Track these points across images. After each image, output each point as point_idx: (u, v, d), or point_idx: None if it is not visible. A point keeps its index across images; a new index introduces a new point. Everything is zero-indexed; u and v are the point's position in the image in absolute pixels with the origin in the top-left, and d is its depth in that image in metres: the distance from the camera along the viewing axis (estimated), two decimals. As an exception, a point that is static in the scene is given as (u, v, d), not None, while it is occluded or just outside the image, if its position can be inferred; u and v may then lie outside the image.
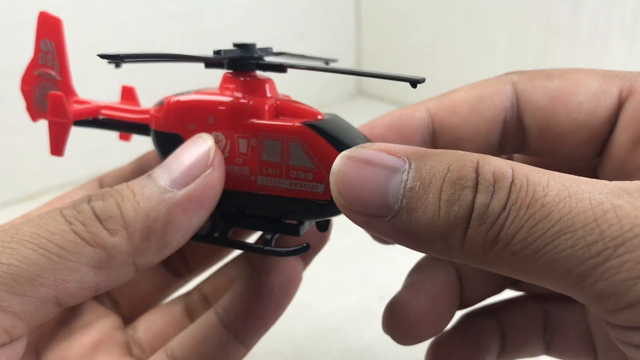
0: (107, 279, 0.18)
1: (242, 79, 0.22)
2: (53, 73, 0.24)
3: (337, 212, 0.19)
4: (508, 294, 0.25)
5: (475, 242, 0.14)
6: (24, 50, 0.46)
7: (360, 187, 0.16)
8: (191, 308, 0.25)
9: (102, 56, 0.19)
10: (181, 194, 0.19)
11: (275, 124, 0.19)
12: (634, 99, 0.18)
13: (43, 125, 0.50)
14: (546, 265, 0.14)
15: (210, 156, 0.19)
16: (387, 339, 0.31)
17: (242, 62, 0.22)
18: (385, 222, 0.15)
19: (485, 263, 0.15)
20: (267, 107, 0.19)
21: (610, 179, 0.15)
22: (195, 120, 0.20)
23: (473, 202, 0.14)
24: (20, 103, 0.47)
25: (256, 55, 0.22)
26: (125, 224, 0.18)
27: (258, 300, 0.23)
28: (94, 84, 0.50)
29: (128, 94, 0.26)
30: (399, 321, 0.22)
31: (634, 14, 0.45)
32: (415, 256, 0.39)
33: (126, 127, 0.24)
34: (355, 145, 0.17)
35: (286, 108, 0.20)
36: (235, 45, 0.22)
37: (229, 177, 0.20)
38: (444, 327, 0.23)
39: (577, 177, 0.14)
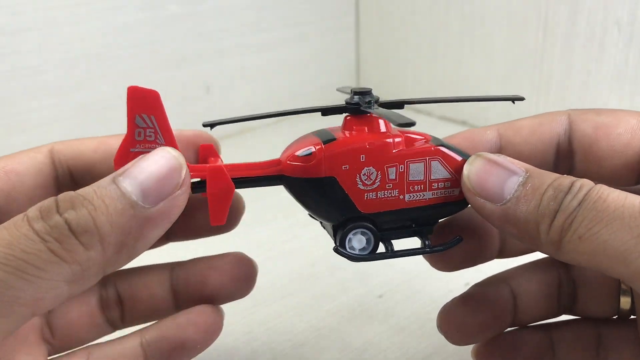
0: (78, 288, 0.19)
1: (366, 120, 0.24)
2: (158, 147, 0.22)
3: (464, 207, 0.24)
4: (563, 317, 0.27)
5: (556, 229, 0.19)
6: (26, 52, 0.47)
7: (485, 176, 0.21)
8: (104, 303, 0.26)
9: (205, 125, 0.23)
10: (154, 211, 0.19)
11: (417, 150, 0.23)
12: None
13: (45, 125, 0.51)
14: (601, 246, 0.18)
15: (182, 176, 0.20)
16: (387, 336, 0.32)
17: (364, 107, 0.24)
18: (496, 206, 0.21)
19: (560, 248, 0.19)
20: (401, 139, 0.23)
21: None
22: (348, 162, 0.23)
23: (562, 200, 0.19)
24: (22, 104, 0.47)
25: (374, 100, 0.25)
26: (100, 238, 0.18)
27: (180, 350, 0.25)
28: (95, 84, 0.51)
29: (208, 151, 0.26)
30: (453, 328, 0.26)
31: (630, 16, 0.45)
32: (412, 257, 0.39)
33: (257, 182, 0.25)
34: (464, 152, 0.23)
35: (406, 135, 0.24)
36: (354, 92, 0.25)
37: (382, 201, 0.23)
38: (493, 334, 0.26)
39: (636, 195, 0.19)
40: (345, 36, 0.68)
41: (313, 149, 0.23)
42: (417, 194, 0.24)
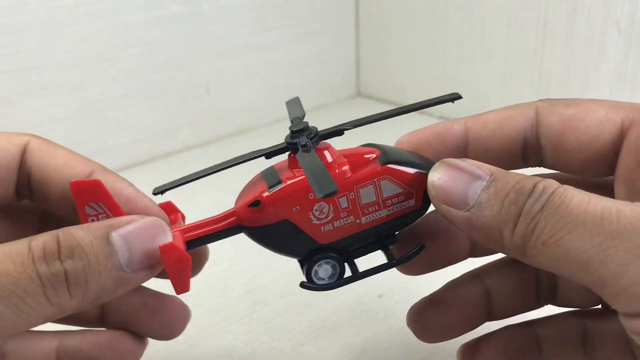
0: (40, 324, 0.20)
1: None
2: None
3: (423, 213, 0.24)
4: (547, 310, 0.27)
5: (519, 234, 0.19)
6: (28, 52, 0.47)
7: (449, 183, 0.21)
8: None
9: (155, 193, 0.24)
10: (133, 276, 0.21)
11: (364, 175, 0.23)
12: (635, 127, 0.22)
13: (46, 125, 0.51)
14: (564, 253, 0.18)
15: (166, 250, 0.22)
16: (387, 336, 0.32)
17: (302, 149, 0.24)
18: (461, 213, 0.20)
19: (525, 253, 0.19)
20: (347, 167, 0.23)
21: (622, 197, 0.20)
22: (298, 202, 0.23)
23: (524, 204, 0.19)
24: (22, 104, 0.47)
25: (312, 135, 0.24)
26: (85, 292, 0.20)
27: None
28: (95, 84, 0.51)
29: (169, 208, 0.27)
30: (423, 328, 0.26)
31: (630, 17, 0.45)
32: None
33: (217, 237, 0.25)
34: (416, 161, 0.23)
35: (352, 159, 0.24)
36: (292, 131, 0.25)
37: (339, 229, 0.24)
38: (466, 332, 0.26)
39: (603, 196, 0.18)
40: (345, 36, 0.68)
41: (261, 199, 0.24)
42: (373, 214, 0.24)
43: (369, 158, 0.24)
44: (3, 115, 0.47)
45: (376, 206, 0.24)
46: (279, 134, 0.65)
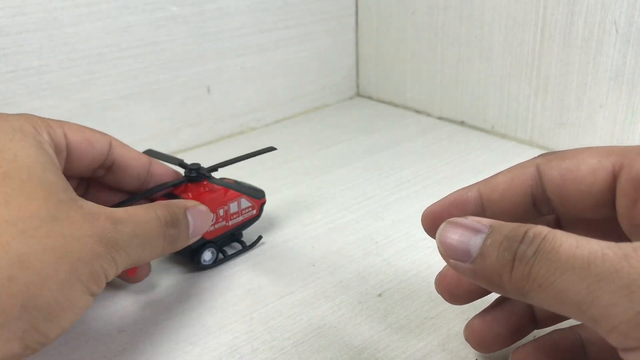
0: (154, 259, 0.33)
1: (200, 184, 0.38)
2: None
3: (258, 219, 0.40)
4: None
5: (517, 278, 0.21)
6: (29, 52, 0.47)
7: (453, 239, 0.23)
8: None
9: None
10: (190, 241, 0.33)
11: (232, 195, 0.38)
12: (624, 171, 0.24)
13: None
14: (558, 295, 0.20)
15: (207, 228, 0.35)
16: (386, 335, 0.32)
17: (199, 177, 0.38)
18: (466, 265, 0.23)
19: (525, 295, 0.21)
20: (222, 190, 0.38)
21: (626, 231, 0.23)
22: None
23: (517, 250, 0.21)
24: (23, 104, 0.47)
25: (202, 170, 0.38)
26: (175, 246, 0.32)
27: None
28: (96, 85, 0.51)
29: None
30: (477, 341, 0.29)
31: (628, 17, 0.45)
32: (411, 256, 0.40)
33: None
34: (257, 189, 0.40)
35: (223, 188, 0.38)
36: (190, 168, 0.37)
37: (217, 230, 0.38)
38: (517, 341, 0.29)
39: (591, 238, 0.20)
40: (345, 37, 0.68)
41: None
42: (235, 219, 0.39)
43: (230, 182, 0.39)
44: (5, 115, 0.47)
45: (237, 214, 0.39)
46: (279, 134, 0.65)
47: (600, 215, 0.25)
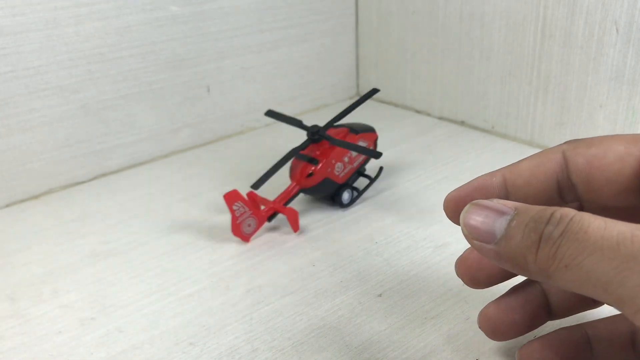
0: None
1: (322, 143, 0.45)
2: (249, 214, 0.42)
3: (376, 153, 0.45)
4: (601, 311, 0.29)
5: (542, 259, 0.21)
6: (28, 52, 0.47)
7: (477, 220, 0.23)
8: None
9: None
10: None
11: (353, 138, 0.46)
12: None
13: (47, 125, 0.51)
14: (585, 275, 0.20)
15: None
16: (386, 335, 0.32)
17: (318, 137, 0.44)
18: (491, 247, 0.23)
19: (550, 276, 0.21)
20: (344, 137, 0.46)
21: None
22: (330, 167, 0.44)
23: (543, 231, 0.21)
24: (23, 104, 0.47)
25: (321, 130, 0.44)
26: None
27: None
28: (96, 85, 0.51)
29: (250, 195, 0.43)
30: (492, 329, 0.29)
31: (628, 17, 0.45)
32: (411, 256, 0.40)
33: (290, 200, 0.45)
34: (368, 127, 0.48)
35: (340, 134, 0.46)
36: (311, 131, 0.44)
37: (347, 173, 0.45)
38: (531, 330, 0.29)
39: (618, 220, 0.20)
40: (345, 37, 0.68)
41: (313, 171, 0.44)
42: (358, 159, 0.46)
43: (346, 131, 0.46)
44: (5, 116, 0.47)
45: (359, 155, 0.46)
46: (280, 134, 0.65)
47: (626, 203, 0.25)
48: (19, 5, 0.45)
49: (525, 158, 0.27)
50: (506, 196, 0.27)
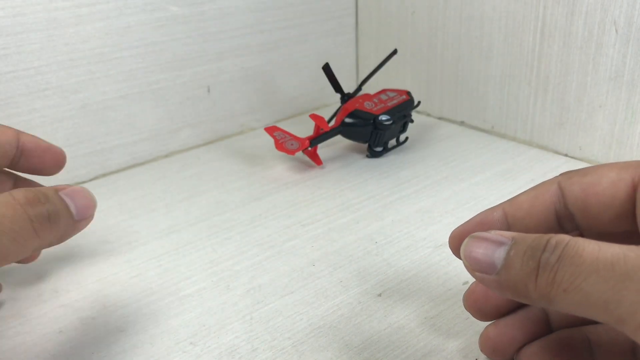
0: (28, 255, 0.27)
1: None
2: (290, 138, 0.51)
3: (411, 103, 0.55)
4: None
5: (542, 285, 0.21)
6: (29, 53, 0.47)
7: (478, 253, 0.24)
8: None
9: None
10: (79, 224, 0.30)
11: (376, 94, 0.55)
12: None
13: (47, 125, 0.51)
14: (584, 298, 0.20)
15: (94, 211, 0.31)
16: (386, 334, 0.32)
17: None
18: (492, 277, 0.23)
19: (552, 301, 0.21)
20: (369, 95, 0.55)
21: None
22: (364, 99, 0.54)
23: (540, 258, 0.22)
24: (24, 105, 0.48)
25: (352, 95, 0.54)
26: (58, 229, 0.28)
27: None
28: (97, 85, 0.51)
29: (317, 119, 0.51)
30: (489, 348, 0.29)
31: (627, 17, 0.45)
32: (411, 256, 0.40)
33: (327, 136, 0.53)
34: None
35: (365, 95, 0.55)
36: (347, 95, 0.55)
37: (380, 109, 0.52)
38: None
39: (612, 243, 0.21)
40: (345, 37, 0.68)
41: (354, 109, 0.52)
42: (391, 100, 0.54)
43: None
44: (5, 116, 0.47)
45: (389, 99, 0.54)
46: (279, 134, 0.64)
47: (622, 228, 0.26)
48: (19, 5, 0.45)
49: (523, 192, 0.28)
50: (507, 229, 0.27)
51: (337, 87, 0.54)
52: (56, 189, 0.29)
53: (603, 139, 0.50)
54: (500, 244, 0.24)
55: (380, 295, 0.35)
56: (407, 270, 0.38)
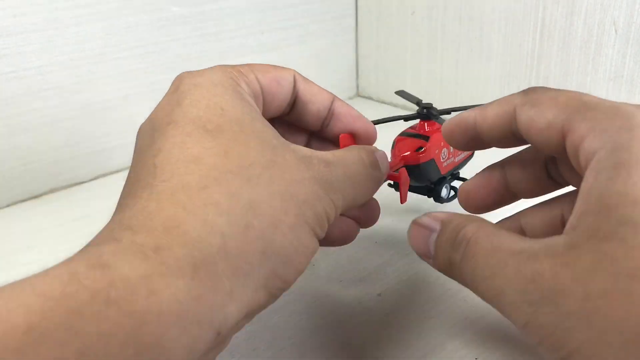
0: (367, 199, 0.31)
1: (432, 123, 0.41)
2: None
3: (471, 158, 0.44)
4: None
5: (457, 278, 0.24)
6: (30, 53, 0.47)
7: (418, 240, 0.26)
8: None
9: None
10: (383, 179, 0.32)
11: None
12: (569, 136, 0.24)
13: (48, 125, 0.51)
14: (469, 276, 0.23)
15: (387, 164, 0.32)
16: (386, 334, 0.32)
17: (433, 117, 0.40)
18: (431, 262, 0.26)
19: (453, 273, 0.25)
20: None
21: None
22: (438, 148, 0.40)
23: (450, 256, 0.24)
24: (24, 104, 0.48)
25: (435, 111, 0.40)
26: (380, 184, 0.32)
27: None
28: (97, 85, 0.51)
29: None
30: (466, 202, 0.32)
31: (627, 17, 0.45)
32: (411, 256, 0.40)
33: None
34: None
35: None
36: (423, 106, 0.41)
37: (450, 165, 0.41)
38: (501, 206, 0.32)
39: (505, 240, 0.23)
40: (344, 38, 0.68)
41: (424, 146, 0.38)
42: (459, 155, 0.42)
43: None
44: (6, 116, 0.47)
45: (459, 152, 0.41)
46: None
47: (555, 155, 0.27)
48: (20, 5, 0.45)
49: (492, 103, 0.28)
50: (477, 134, 0.29)
51: (413, 99, 0.44)
52: (373, 150, 0.31)
53: (603, 139, 0.50)
54: (431, 230, 0.26)
55: (380, 295, 0.35)
56: (407, 271, 0.38)
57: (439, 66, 0.61)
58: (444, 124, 0.30)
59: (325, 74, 0.67)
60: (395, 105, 0.67)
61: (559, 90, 0.26)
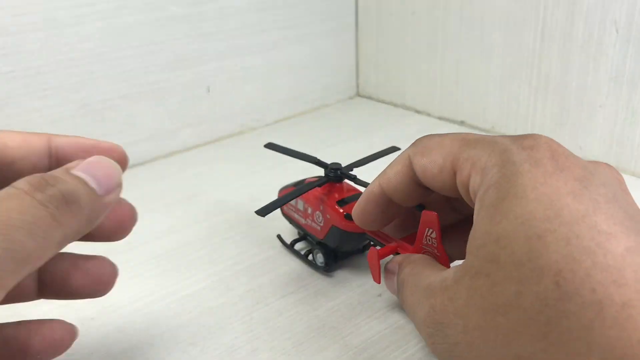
0: (56, 251, 0.22)
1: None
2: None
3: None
4: None
5: (401, 301, 0.29)
6: (29, 52, 0.47)
7: (388, 284, 0.31)
8: None
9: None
10: (106, 199, 0.24)
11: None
12: (457, 176, 0.26)
13: (47, 125, 0.51)
14: (407, 312, 0.28)
15: (119, 174, 0.26)
16: (386, 334, 0.32)
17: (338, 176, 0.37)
18: (399, 298, 0.30)
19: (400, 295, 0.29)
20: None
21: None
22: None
23: (396, 286, 0.30)
24: (24, 104, 0.48)
25: (345, 172, 0.37)
26: (80, 210, 0.23)
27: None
28: (96, 84, 0.51)
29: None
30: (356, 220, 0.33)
31: (628, 17, 0.45)
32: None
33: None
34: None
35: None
36: (331, 168, 0.37)
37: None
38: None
39: (425, 278, 0.27)
40: (344, 37, 0.68)
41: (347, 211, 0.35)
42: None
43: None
44: (5, 116, 0.47)
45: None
46: (280, 134, 0.65)
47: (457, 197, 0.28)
48: (19, 5, 0.45)
49: (391, 165, 0.30)
50: (388, 202, 0.30)
51: (310, 159, 0.39)
52: (66, 168, 0.24)
53: (603, 139, 0.50)
54: (393, 273, 0.30)
55: (380, 295, 0.35)
56: (407, 271, 0.37)
57: (439, 66, 0.61)
58: (353, 211, 0.32)
59: (325, 74, 0.67)
60: (396, 106, 0.67)
61: (442, 134, 0.28)
